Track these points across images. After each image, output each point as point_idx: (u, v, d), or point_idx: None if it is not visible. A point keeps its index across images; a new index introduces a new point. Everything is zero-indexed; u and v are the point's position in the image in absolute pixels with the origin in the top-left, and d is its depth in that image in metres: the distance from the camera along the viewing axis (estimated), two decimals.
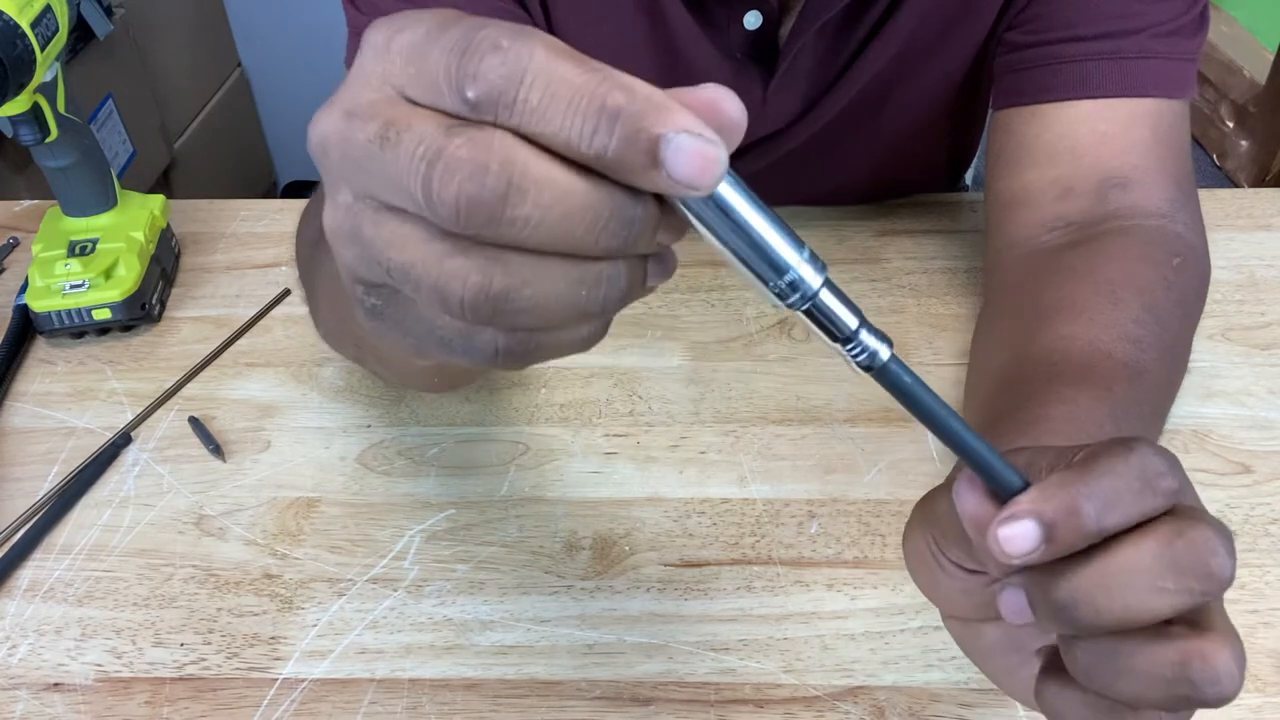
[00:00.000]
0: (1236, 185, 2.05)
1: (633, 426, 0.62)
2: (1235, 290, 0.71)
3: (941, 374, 0.65)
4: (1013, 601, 0.30)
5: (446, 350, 0.27)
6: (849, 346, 0.27)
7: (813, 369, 0.66)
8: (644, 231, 0.25)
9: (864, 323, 0.27)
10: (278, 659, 0.52)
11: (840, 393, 0.64)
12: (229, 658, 0.52)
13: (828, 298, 0.27)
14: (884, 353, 0.28)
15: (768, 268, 0.26)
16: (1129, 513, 0.28)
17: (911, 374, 0.29)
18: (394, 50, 0.24)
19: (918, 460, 0.60)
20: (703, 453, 0.61)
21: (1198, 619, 0.29)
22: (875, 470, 0.60)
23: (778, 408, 0.63)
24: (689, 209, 0.25)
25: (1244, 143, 2.05)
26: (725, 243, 0.25)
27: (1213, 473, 0.59)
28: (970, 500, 0.30)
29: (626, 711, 0.49)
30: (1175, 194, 0.59)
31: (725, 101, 0.24)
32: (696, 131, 0.23)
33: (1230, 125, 2.08)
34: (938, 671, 0.50)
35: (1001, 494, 0.30)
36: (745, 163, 0.72)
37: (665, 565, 0.55)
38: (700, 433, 0.62)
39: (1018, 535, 0.29)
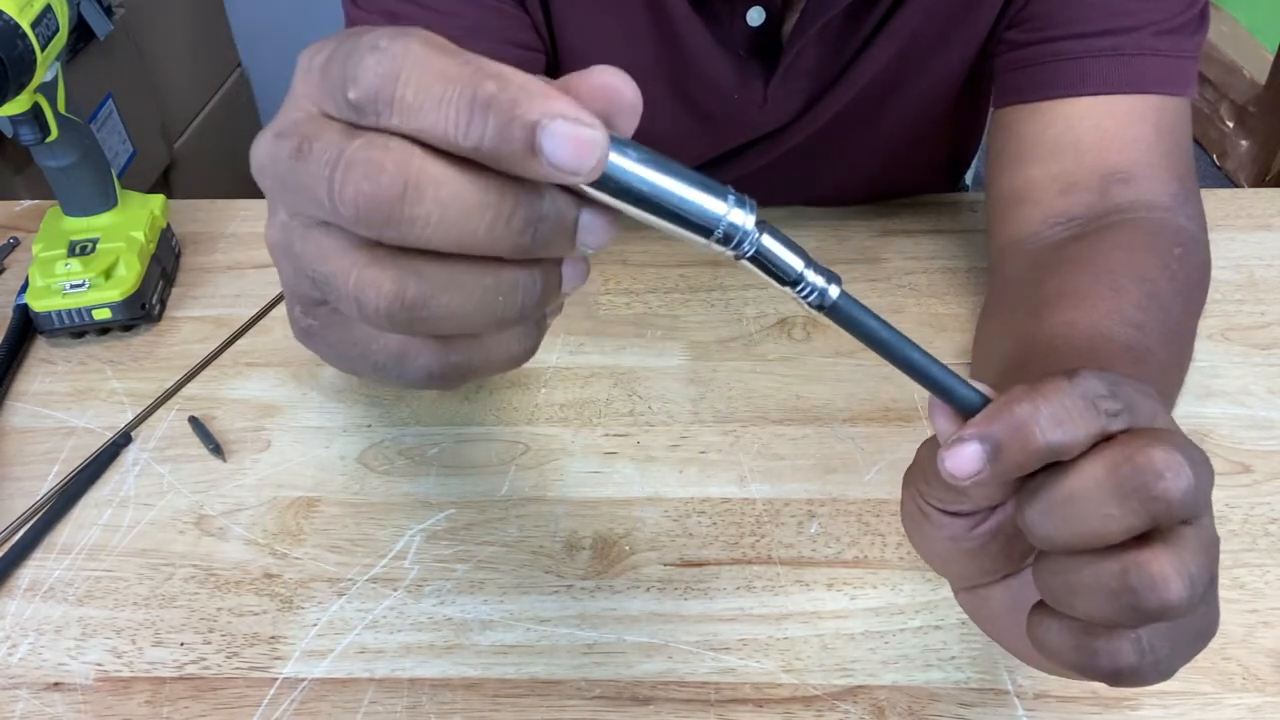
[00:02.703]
0: (1236, 185, 2.05)
1: (633, 426, 0.62)
2: (1235, 290, 0.71)
3: None
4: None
5: (379, 373, 0.27)
6: (798, 288, 0.28)
7: (813, 369, 0.66)
8: (554, 230, 0.25)
9: (809, 262, 0.28)
10: (278, 658, 0.52)
11: (840, 393, 0.64)
12: (229, 657, 0.52)
13: (770, 244, 0.27)
14: (833, 291, 0.28)
15: (696, 231, 0.26)
16: (1075, 431, 0.29)
17: (863, 308, 0.29)
18: (313, 69, 0.25)
19: None
20: (703, 452, 0.61)
21: (1159, 535, 0.29)
22: (875, 470, 0.60)
23: (778, 407, 0.63)
24: (598, 190, 0.25)
25: (1244, 143, 2.05)
26: (650, 213, 0.25)
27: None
28: (942, 421, 0.31)
29: (626, 711, 0.49)
30: (1178, 189, 0.59)
31: (618, 84, 0.24)
32: (572, 116, 0.22)
33: (1230, 125, 2.08)
34: (938, 671, 0.50)
35: (969, 415, 0.31)
36: (745, 160, 0.73)
37: (665, 565, 0.55)
38: (700, 432, 0.62)
39: (963, 457, 0.30)
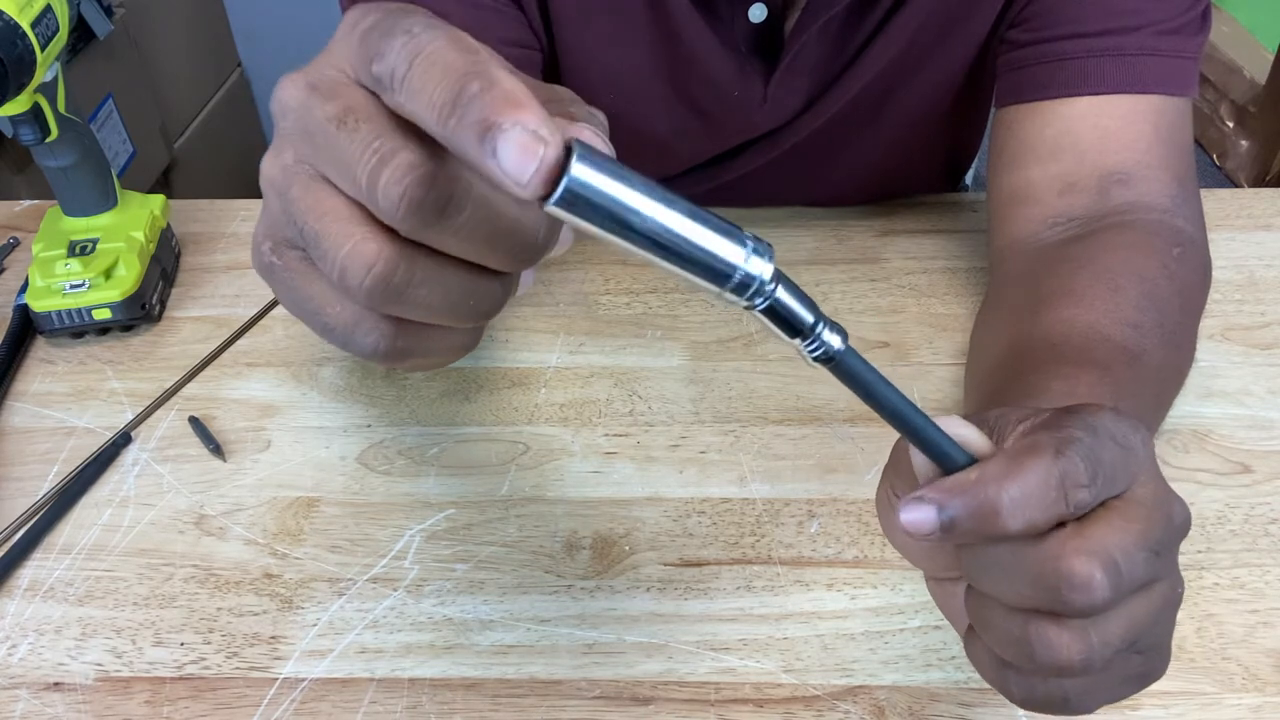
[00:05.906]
0: (1236, 185, 2.05)
1: (633, 426, 0.62)
2: (1235, 290, 0.71)
3: (941, 374, 0.65)
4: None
5: (326, 335, 0.28)
6: (806, 341, 0.27)
7: (812, 369, 0.65)
8: (545, 247, 0.27)
9: (820, 316, 0.27)
10: (278, 658, 0.52)
11: (840, 393, 0.64)
12: (229, 657, 0.52)
13: (784, 296, 0.26)
14: (837, 343, 0.28)
15: (707, 276, 0.24)
16: (1034, 520, 0.30)
17: (864, 362, 0.29)
18: (355, 34, 0.26)
19: None
20: (703, 452, 0.61)
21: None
22: (875, 470, 0.60)
23: (778, 408, 0.63)
24: (570, 212, 0.23)
25: (1244, 143, 2.05)
26: (647, 249, 0.23)
27: (1213, 472, 0.59)
28: (920, 459, 0.33)
29: (626, 711, 0.49)
30: (1177, 190, 0.59)
31: (588, 137, 0.26)
32: (531, 127, 0.22)
33: (1230, 125, 2.08)
34: (938, 671, 0.50)
35: (949, 471, 0.32)
36: (746, 159, 0.73)
37: (665, 565, 0.55)
38: (700, 432, 0.62)
39: (917, 518, 0.31)
